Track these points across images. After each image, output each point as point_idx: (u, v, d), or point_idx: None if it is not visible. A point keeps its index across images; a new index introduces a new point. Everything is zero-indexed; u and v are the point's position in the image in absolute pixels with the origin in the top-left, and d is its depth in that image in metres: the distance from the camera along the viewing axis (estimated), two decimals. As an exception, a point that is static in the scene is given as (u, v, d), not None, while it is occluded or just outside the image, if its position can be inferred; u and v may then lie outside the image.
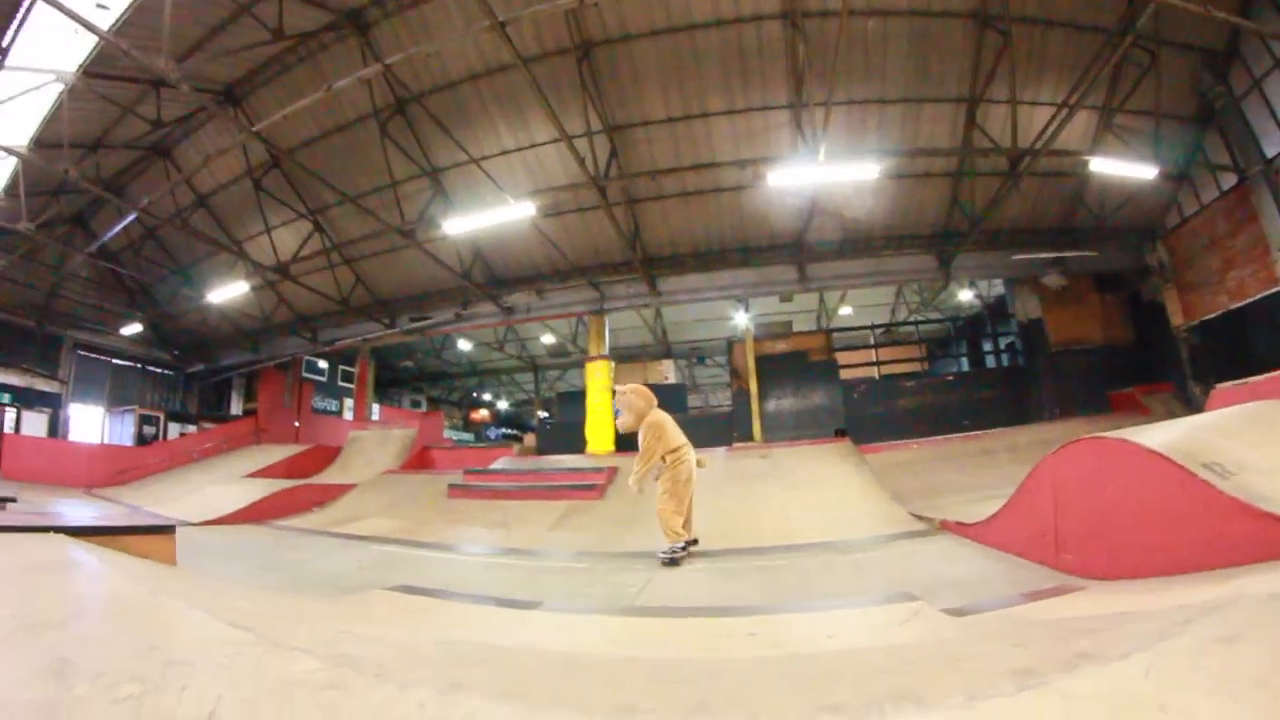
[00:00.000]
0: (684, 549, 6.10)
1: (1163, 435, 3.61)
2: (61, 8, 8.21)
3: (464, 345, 21.26)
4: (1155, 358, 15.10)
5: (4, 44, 10.45)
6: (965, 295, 16.34)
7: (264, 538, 9.41)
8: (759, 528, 7.61)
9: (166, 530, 3.84)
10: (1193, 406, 13.47)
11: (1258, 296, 12.47)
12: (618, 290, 15.75)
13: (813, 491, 9.00)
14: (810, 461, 10.48)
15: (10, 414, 20.66)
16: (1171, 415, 13.00)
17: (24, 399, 21.12)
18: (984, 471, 10.18)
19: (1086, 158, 11.77)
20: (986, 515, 5.53)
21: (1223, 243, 13.17)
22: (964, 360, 21.21)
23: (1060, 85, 11.84)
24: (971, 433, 12.55)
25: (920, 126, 12.64)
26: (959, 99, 12.22)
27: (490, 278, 16.49)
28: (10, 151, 12.17)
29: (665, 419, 6.57)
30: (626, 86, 12.19)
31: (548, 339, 22.61)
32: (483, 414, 36.99)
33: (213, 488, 13.92)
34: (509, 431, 37.59)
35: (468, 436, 34.35)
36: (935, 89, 12.15)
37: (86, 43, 11.00)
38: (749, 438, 15.27)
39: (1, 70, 10.78)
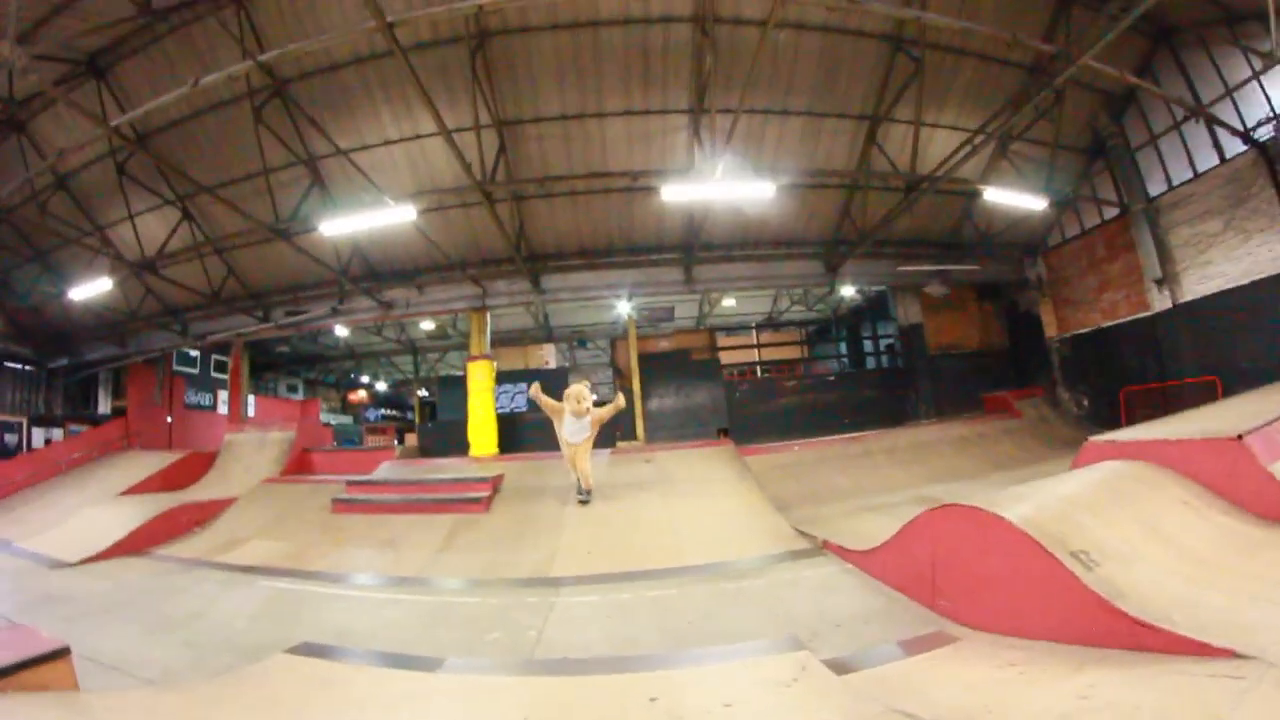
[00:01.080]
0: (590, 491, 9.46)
1: (1033, 508, 3.97)
2: None
3: (341, 331, 20.57)
4: (1028, 364, 16.34)
5: None
6: (847, 291, 17.00)
7: (147, 578, 8.87)
8: (648, 546, 7.80)
9: (61, 655, 3.60)
10: (1061, 411, 14.83)
11: (1128, 319, 13.82)
12: (500, 286, 15.38)
13: (699, 502, 9.25)
14: (695, 467, 10.69)
15: None
16: (1041, 419, 14.31)
17: None
18: (864, 475, 10.60)
19: (981, 186, 12.38)
20: (866, 539, 5.91)
21: (1100, 266, 14.43)
22: (843, 345, 22.02)
23: (963, 111, 12.45)
24: (852, 434, 12.83)
25: (820, 141, 12.87)
26: (861, 116, 12.52)
27: (369, 272, 15.87)
28: None
29: None
30: (521, 80, 11.76)
31: (427, 324, 21.96)
32: (361, 395, 36.04)
33: (87, 511, 12.97)
34: (388, 413, 37.30)
35: (346, 419, 33.72)
36: (839, 104, 12.37)
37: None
38: (632, 437, 15.44)
39: None
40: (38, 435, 21.12)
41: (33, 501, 15.50)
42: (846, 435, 12.68)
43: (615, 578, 6.77)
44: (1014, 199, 12.23)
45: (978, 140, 11.17)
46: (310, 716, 3.44)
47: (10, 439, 20.43)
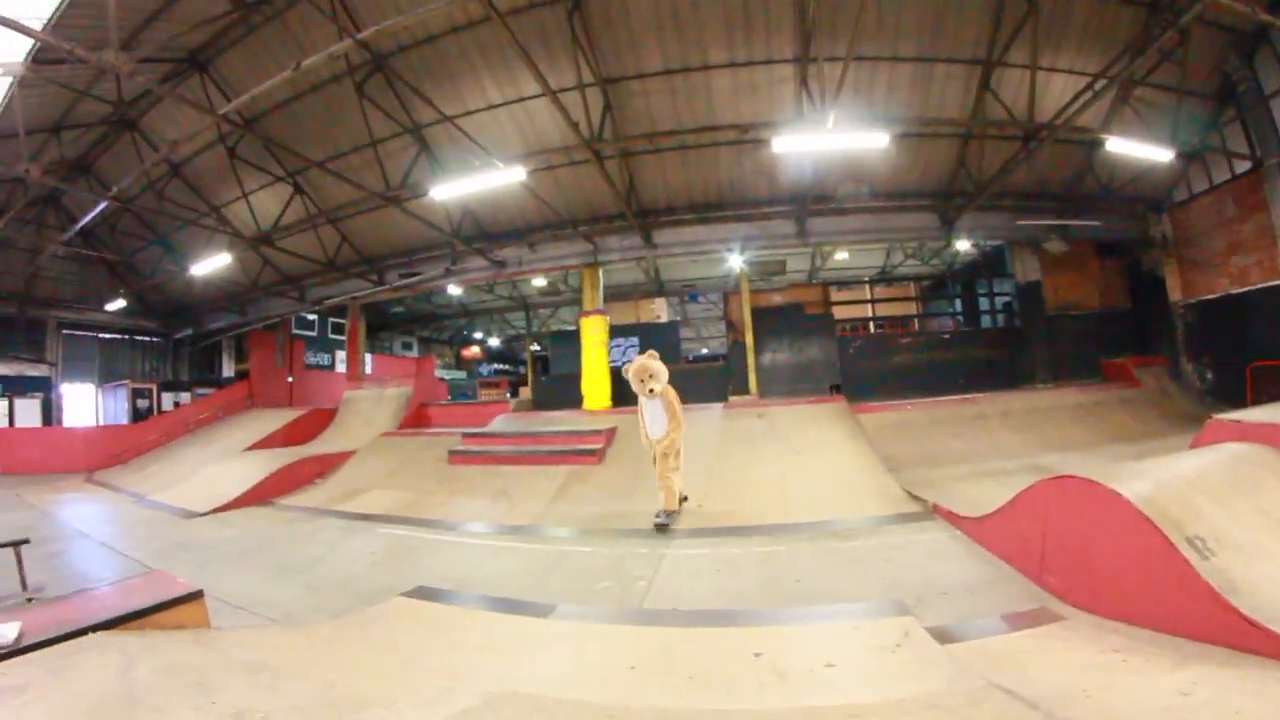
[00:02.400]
0: (677, 513, 7.46)
1: (1152, 486, 3.82)
2: None
3: (454, 290, 21.52)
4: (1150, 330, 15.45)
5: None
6: (962, 245, 16.47)
7: (273, 526, 9.73)
8: (758, 501, 8.05)
9: (195, 597, 4.10)
10: (1182, 384, 14.01)
11: (1260, 285, 12.78)
12: (611, 243, 15.73)
13: (810, 459, 9.38)
14: (807, 424, 10.79)
15: (3, 404, 21.13)
16: (1162, 390, 13.60)
17: (15, 386, 21.60)
18: (977, 438, 10.49)
19: (1103, 136, 11.73)
20: (977, 506, 5.92)
21: (1229, 226, 13.37)
22: (958, 303, 21.44)
23: (1081, 54, 11.77)
24: (966, 395, 12.66)
25: (931, 87, 12.46)
26: (974, 60, 12.02)
27: (480, 232, 16.49)
28: None
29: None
30: (621, 37, 11.81)
31: (539, 281, 22.63)
32: (474, 351, 37.61)
33: (214, 466, 14.19)
34: (501, 367, 38.46)
35: (460, 374, 35.01)
36: (950, 48, 11.92)
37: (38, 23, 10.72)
38: (745, 391, 15.54)
39: None
40: (167, 399, 23.21)
41: (163, 459, 17.13)
42: (960, 396, 12.50)
43: (725, 532, 7.02)
44: (1137, 149, 11.61)
45: (1097, 85, 10.65)
46: (426, 656, 3.75)
47: (142, 404, 22.59)
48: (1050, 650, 3.28)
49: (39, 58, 11.40)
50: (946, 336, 17.33)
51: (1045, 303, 15.68)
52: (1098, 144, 12.50)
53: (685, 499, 7.68)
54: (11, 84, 11.78)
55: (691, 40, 11.80)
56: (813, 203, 14.21)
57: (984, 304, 18.72)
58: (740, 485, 8.74)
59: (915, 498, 7.49)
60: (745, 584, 5.34)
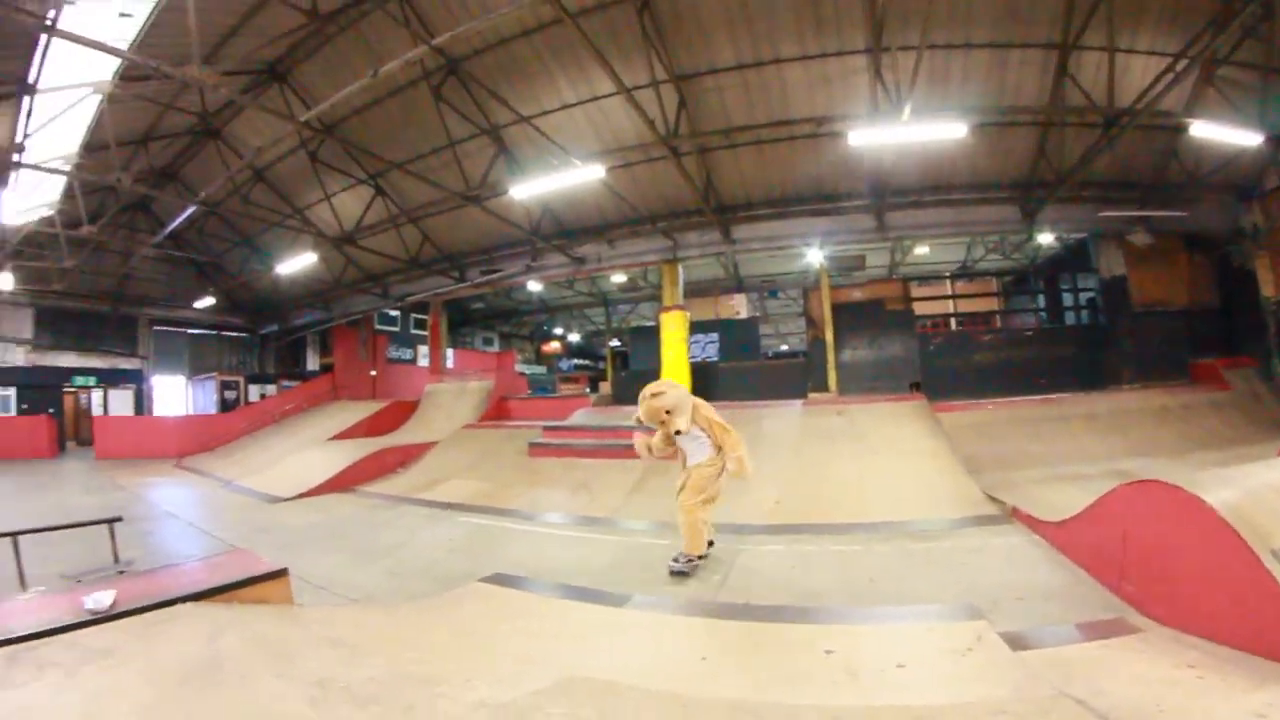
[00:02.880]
0: (702, 557, 5.80)
1: (1239, 494, 3.66)
2: (77, 39, 8.70)
3: (534, 286, 22.08)
4: (1240, 328, 14.49)
5: (31, 80, 11.29)
6: (1045, 238, 15.98)
7: (355, 511, 10.21)
8: (836, 499, 8.11)
9: (280, 575, 4.39)
10: (1274, 387, 13.19)
11: None
12: (690, 239, 15.86)
13: (888, 458, 9.35)
14: (886, 422, 10.73)
15: (97, 395, 22.82)
16: (1253, 394, 12.94)
17: (109, 379, 23.43)
18: (1058, 441, 10.25)
19: (1187, 120, 11.30)
20: (1056, 511, 5.85)
21: None
22: (1041, 299, 20.76)
23: (1161, 33, 11.29)
24: (1048, 395, 12.39)
25: (1007, 74, 12.15)
26: (1049, 45, 11.64)
27: (560, 229, 16.78)
28: (57, 171, 13.44)
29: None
30: (691, 32, 11.86)
31: (619, 277, 23.00)
32: (554, 346, 38.29)
33: (299, 454, 14.89)
34: (580, 362, 39.18)
35: (540, 369, 35.87)
36: (1025, 32, 11.58)
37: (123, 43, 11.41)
38: (824, 388, 15.49)
39: (36, 96, 11.66)
40: (254, 391, 24.54)
41: (249, 447, 18.00)
42: (1042, 397, 12.22)
43: (801, 529, 7.13)
44: (1223, 133, 11.06)
45: (1179, 66, 10.18)
46: (501, 639, 3.91)
47: (230, 395, 23.98)
48: (1124, 662, 3.24)
49: (126, 75, 12.18)
50: (1029, 334, 16.88)
51: (1131, 299, 14.99)
52: (1181, 129, 11.99)
53: (713, 543, 6.01)
54: (101, 101, 12.57)
55: (762, 33, 11.79)
56: (890, 196, 14.03)
57: (1067, 300, 18.15)
58: (818, 483, 8.80)
59: (994, 500, 7.43)
60: (820, 582, 5.42)
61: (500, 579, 5.13)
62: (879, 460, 9.34)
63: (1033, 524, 6.29)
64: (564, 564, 6.36)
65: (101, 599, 3.64)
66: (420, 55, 10.16)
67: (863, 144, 10.93)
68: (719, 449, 5.83)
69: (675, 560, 5.69)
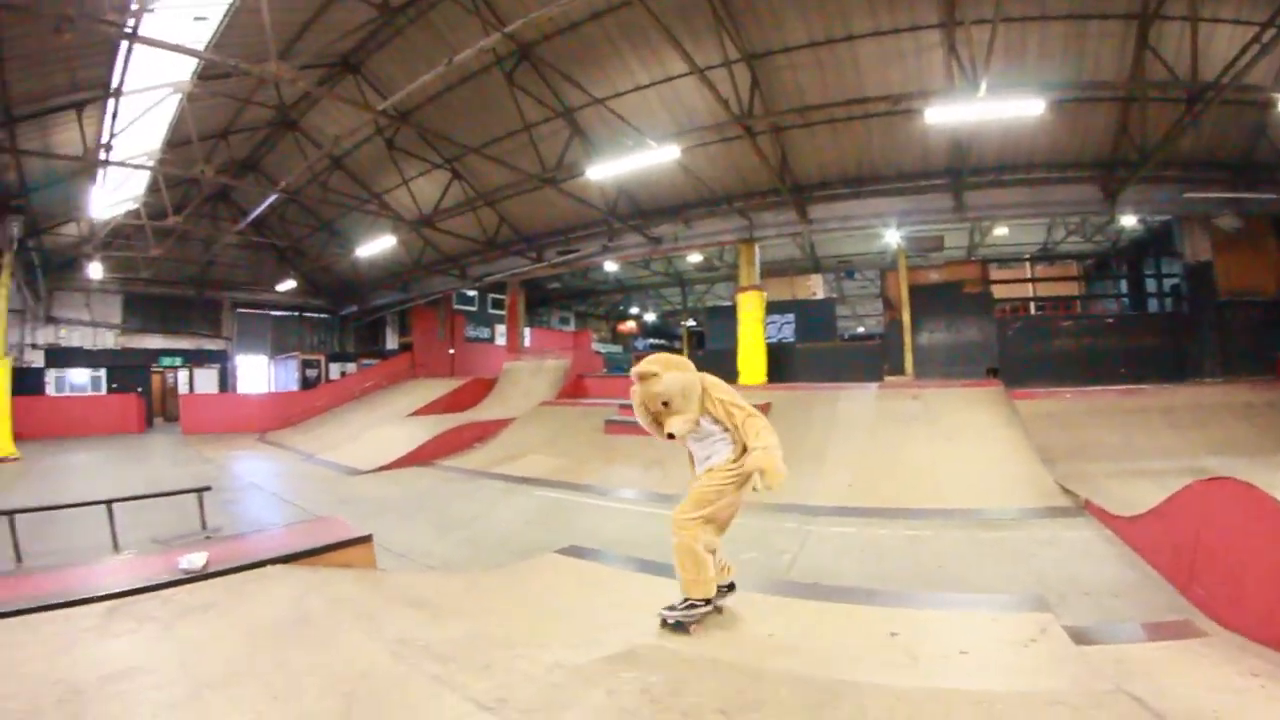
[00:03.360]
0: (708, 606, 3.72)
1: None
2: (157, 43, 9.31)
3: (610, 267, 22.46)
4: None
5: (115, 85, 12.12)
6: (1127, 220, 15.39)
7: (434, 485, 10.67)
8: (909, 484, 8.19)
9: (364, 541, 4.73)
10: None
11: None
12: (766, 218, 15.84)
13: (963, 445, 9.35)
14: (961, 407, 10.70)
15: (183, 374, 24.43)
16: None
17: (194, 358, 25.15)
18: (1136, 434, 9.89)
19: (1276, 95, 10.69)
20: (1129, 507, 5.82)
21: None
22: (1123, 284, 20.12)
23: (1245, 1, 10.64)
24: (1127, 386, 11.94)
25: (1086, 46, 11.65)
26: (1128, 15, 11.12)
27: (636, 210, 17.00)
28: (143, 167, 14.36)
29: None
30: (761, 9, 11.76)
31: (695, 257, 23.14)
32: (630, 326, 38.88)
33: (379, 429, 15.51)
34: (656, 342, 39.28)
35: (616, 348, 36.12)
36: (1102, 1, 11.09)
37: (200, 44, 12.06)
38: (900, 371, 15.44)
39: (121, 99, 12.50)
40: (334, 369, 25.65)
41: (330, 423, 18.75)
42: (1121, 387, 11.80)
43: (872, 512, 7.26)
44: None
45: (1266, 36, 9.62)
46: (575, 608, 4.11)
47: (311, 373, 25.17)
48: (1186, 665, 3.25)
49: (203, 75, 12.94)
50: (1109, 321, 16.45)
51: (1216, 287, 14.28)
52: (1271, 104, 11.31)
53: (730, 587, 4.03)
54: (181, 100, 13.29)
55: (833, 9, 11.63)
56: (968, 174, 13.77)
57: (1150, 286, 17.57)
58: (891, 467, 8.89)
59: (1067, 492, 7.40)
60: (889, 565, 5.56)
61: (574, 551, 5.31)
62: (953, 446, 9.34)
63: (1105, 518, 6.27)
64: (636, 538, 6.54)
65: (195, 560, 4.01)
66: (494, 42, 10.44)
67: (939, 122, 10.76)
68: (744, 447, 3.86)
69: (671, 609, 3.64)
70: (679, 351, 32.79)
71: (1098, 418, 10.44)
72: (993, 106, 10.04)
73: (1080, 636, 3.46)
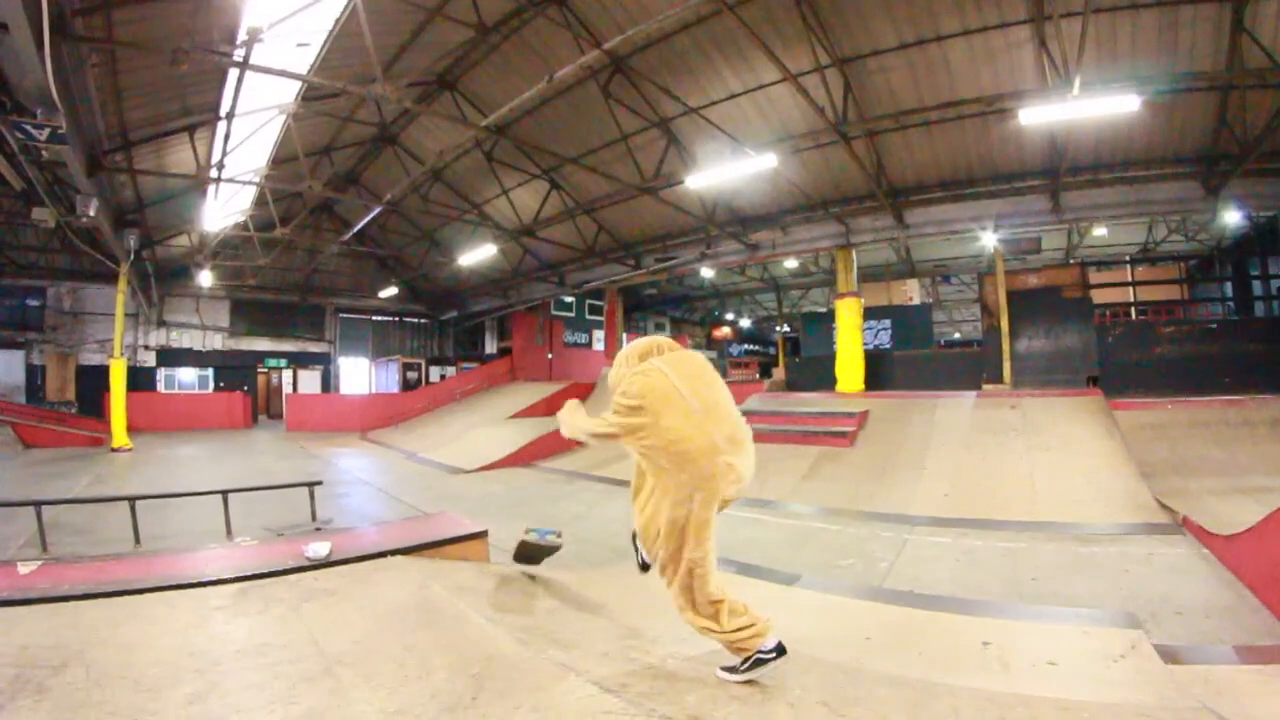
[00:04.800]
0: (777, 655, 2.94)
1: None
2: (266, 70, 10.27)
3: (706, 273, 22.83)
4: None
5: (226, 108, 12.95)
6: (1231, 217, 14.67)
7: (535, 485, 11.18)
8: (1005, 496, 8.21)
9: (480, 536, 5.08)
10: None
11: None
12: (863, 223, 15.85)
13: (1061, 456, 9.27)
14: (1060, 418, 10.58)
15: (288, 374, 26.35)
16: None
17: (298, 360, 26.98)
18: (1240, 448, 9.49)
19: None
20: (1230, 525, 5.76)
21: None
22: (1228, 286, 19.32)
23: None
24: (1232, 396, 11.13)
25: (1178, 36, 11.12)
26: None
27: (733, 217, 17.19)
28: (251, 183, 15.62)
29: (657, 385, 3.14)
30: (849, 13, 11.80)
31: (791, 263, 23.39)
32: (725, 332, 39.26)
33: (480, 430, 16.18)
34: (750, 348, 40.14)
35: (711, 354, 36.18)
36: None
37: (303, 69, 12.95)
38: (999, 380, 15.23)
39: (234, 122, 13.39)
40: (434, 372, 26.83)
41: (430, 424, 19.51)
42: (1226, 398, 11.11)
43: (968, 523, 7.37)
44: None
45: None
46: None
47: (412, 375, 26.41)
48: (1269, 688, 3.27)
49: (307, 96, 13.85)
50: (1213, 326, 15.72)
51: None
52: None
53: (783, 651, 2.96)
54: (286, 120, 14.32)
55: (920, 8, 11.54)
56: (1065, 175, 13.46)
57: (1256, 289, 16.76)
58: (987, 478, 8.91)
59: (1166, 508, 7.34)
60: (983, 576, 5.69)
61: None
62: (1051, 458, 9.28)
63: (1203, 536, 6.22)
64: (736, 543, 6.74)
65: (319, 548, 4.28)
66: (593, 60, 10.92)
67: (1033, 122, 10.65)
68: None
69: (730, 670, 2.94)
70: (773, 358, 32.98)
71: (1200, 430, 10.11)
72: (1086, 104, 9.86)
73: (1170, 655, 3.53)
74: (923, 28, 11.85)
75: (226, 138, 14.06)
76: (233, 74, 11.74)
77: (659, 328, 35.12)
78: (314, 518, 7.75)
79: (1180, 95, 12.00)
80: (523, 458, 13.47)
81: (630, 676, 2.93)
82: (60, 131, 8.50)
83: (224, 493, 7.31)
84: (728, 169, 12.60)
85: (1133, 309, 18.96)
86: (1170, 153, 13.17)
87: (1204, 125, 12.56)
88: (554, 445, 14.03)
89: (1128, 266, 20.82)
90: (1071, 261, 19.53)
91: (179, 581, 3.73)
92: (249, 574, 3.90)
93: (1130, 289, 19.54)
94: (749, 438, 3.25)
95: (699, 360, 3.31)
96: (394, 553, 4.47)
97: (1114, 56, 11.36)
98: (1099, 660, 3.50)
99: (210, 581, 3.77)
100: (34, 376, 22.27)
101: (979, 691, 2.97)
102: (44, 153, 9.50)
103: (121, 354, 16.97)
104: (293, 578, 3.94)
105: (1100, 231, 19.01)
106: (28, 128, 8.33)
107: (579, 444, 13.58)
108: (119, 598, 3.48)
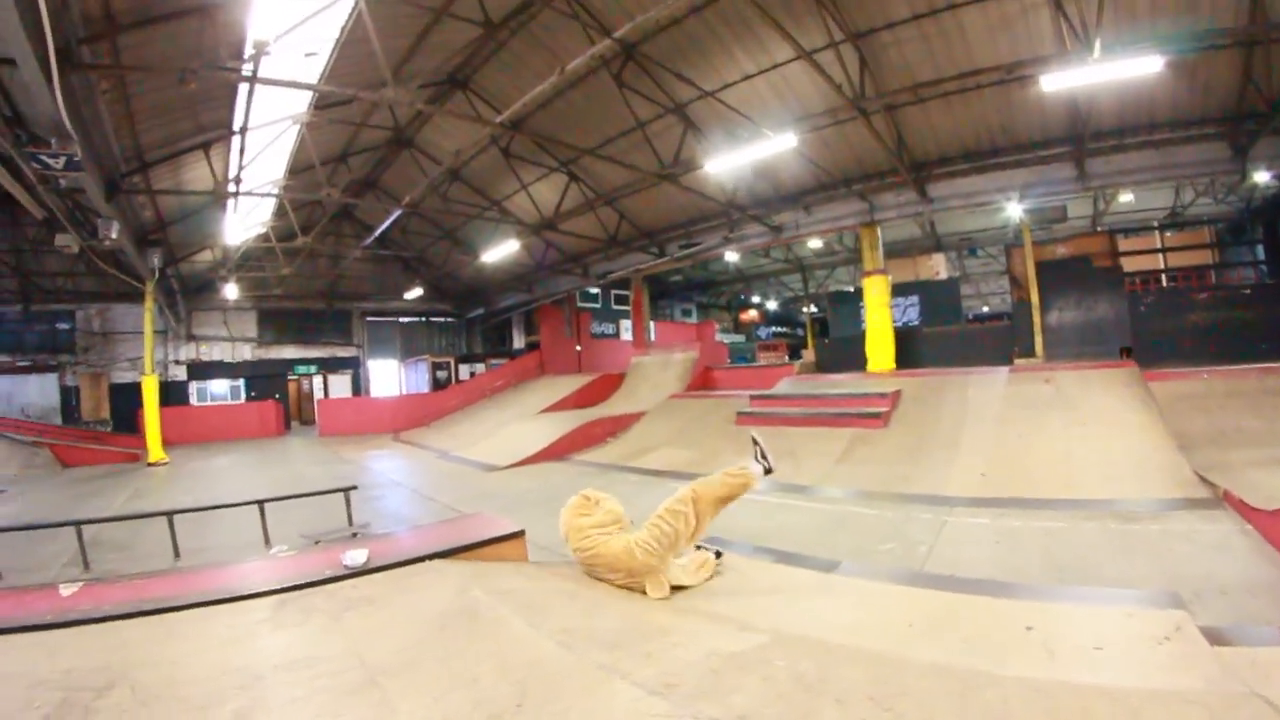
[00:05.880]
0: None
1: None
2: (275, 82, 10.39)
3: (731, 257, 22.83)
4: None
5: (239, 123, 13.27)
6: (1261, 176, 14.40)
7: (569, 479, 11.14)
8: (1042, 474, 8.15)
9: (517, 535, 5.02)
10: None
11: None
12: (886, 199, 15.79)
13: (1097, 431, 9.17)
14: (1095, 391, 10.44)
15: (318, 380, 27.04)
16: None
17: (328, 366, 27.63)
18: (1279, 417, 9.27)
19: None
20: (1275, 498, 5.69)
21: None
22: (1259, 249, 18.90)
23: None
24: (1270, 364, 10.88)
25: None
26: None
27: (755, 200, 17.17)
28: (269, 195, 15.91)
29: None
30: None
31: (815, 242, 23.38)
32: (752, 315, 39.64)
33: (511, 426, 16.25)
34: (778, 330, 40.44)
35: (738, 338, 37.04)
36: None
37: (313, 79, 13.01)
38: (1030, 353, 15.18)
39: (247, 135, 13.67)
40: (464, 370, 27.12)
41: (462, 422, 19.66)
42: (1263, 365, 10.87)
43: (1006, 503, 7.34)
44: None
45: None
46: (716, 598, 4.24)
47: (441, 374, 26.73)
48: None
49: (319, 105, 14.02)
50: (1247, 291, 15.47)
51: None
52: None
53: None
54: (300, 130, 14.49)
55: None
56: (1089, 140, 13.33)
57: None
58: (1024, 455, 8.85)
59: (1206, 482, 7.23)
60: (1023, 558, 5.67)
61: (713, 543, 5.39)
62: (1087, 433, 9.18)
63: (1245, 511, 6.14)
64: (773, 530, 6.81)
65: (357, 556, 4.24)
66: (604, 49, 10.98)
67: (1055, 88, 10.56)
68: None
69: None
70: (802, 340, 32.88)
71: (1237, 399, 9.94)
72: (1108, 68, 9.79)
73: (1215, 636, 3.41)
74: (934, -3, 11.68)
75: (242, 151, 14.35)
76: (243, 89, 12.01)
77: (686, 314, 35.30)
78: (350, 523, 7.80)
79: (1203, 55, 11.79)
80: (556, 452, 13.52)
81: (674, 676, 2.91)
82: (76, 159, 8.69)
83: (260, 503, 7.45)
84: (746, 151, 12.58)
85: (1163, 276, 18.68)
86: (1196, 114, 12.98)
87: (1229, 84, 12.34)
88: (586, 438, 14.16)
89: (1156, 233, 20.50)
90: (1099, 230, 19.26)
91: (218, 596, 3.76)
92: (287, 585, 3.91)
93: (1160, 256, 19.24)
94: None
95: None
96: (431, 557, 4.47)
97: (1133, 17, 11.16)
98: (1144, 643, 3.42)
99: (248, 595, 3.80)
100: (68, 398, 23.04)
101: (1026, 681, 2.94)
102: (62, 181, 9.77)
103: (152, 370, 17.31)
104: (331, 587, 3.95)
105: (1126, 198, 18.79)
106: (44, 158, 8.54)
107: (612, 436, 13.94)
108: (160, 615, 3.53)
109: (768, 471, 4.77)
